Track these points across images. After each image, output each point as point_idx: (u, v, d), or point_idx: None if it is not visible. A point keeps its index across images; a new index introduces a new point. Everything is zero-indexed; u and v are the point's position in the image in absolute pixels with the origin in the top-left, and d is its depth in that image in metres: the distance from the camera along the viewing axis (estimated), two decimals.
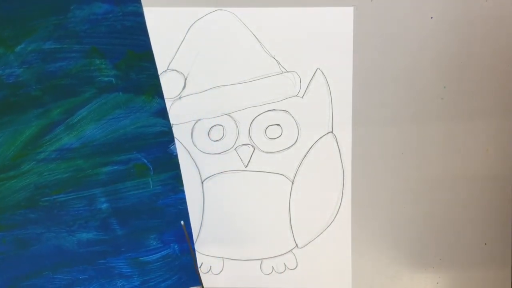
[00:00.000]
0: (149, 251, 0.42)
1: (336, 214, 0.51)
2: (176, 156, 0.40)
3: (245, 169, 0.50)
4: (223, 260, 0.51)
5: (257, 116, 0.50)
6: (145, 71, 0.37)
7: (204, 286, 0.50)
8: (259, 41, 0.49)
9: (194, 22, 0.48)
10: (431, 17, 0.49)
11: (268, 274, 0.52)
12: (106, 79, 0.36)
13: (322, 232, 0.51)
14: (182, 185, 0.41)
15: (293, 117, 0.50)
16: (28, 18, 0.34)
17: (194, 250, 0.43)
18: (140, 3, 0.36)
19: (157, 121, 0.39)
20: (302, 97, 0.50)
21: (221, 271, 0.51)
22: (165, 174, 0.40)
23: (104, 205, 0.40)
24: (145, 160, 0.39)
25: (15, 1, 0.33)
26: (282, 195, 0.51)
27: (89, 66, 0.36)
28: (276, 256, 0.51)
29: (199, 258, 0.51)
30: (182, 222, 0.41)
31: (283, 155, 0.50)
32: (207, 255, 0.51)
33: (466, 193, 0.51)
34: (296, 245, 0.51)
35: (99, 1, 0.34)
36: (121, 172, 0.39)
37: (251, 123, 0.50)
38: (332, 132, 0.50)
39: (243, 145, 0.50)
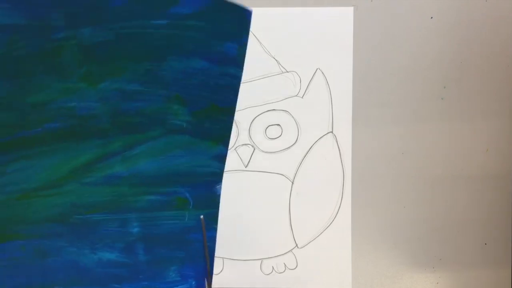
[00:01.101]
0: (166, 283, 0.41)
1: (336, 214, 0.51)
2: (219, 196, 0.39)
3: (245, 169, 0.50)
4: (223, 260, 0.51)
5: (257, 116, 0.50)
6: (219, 123, 0.37)
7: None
8: (259, 41, 0.49)
9: None
10: (431, 17, 0.49)
11: (268, 274, 0.52)
12: (178, 122, 0.36)
13: (322, 232, 0.51)
14: (216, 223, 0.40)
15: (293, 117, 0.50)
16: (121, 58, 0.33)
17: (211, 269, 0.42)
18: (242, 68, 0.35)
19: (212, 163, 0.38)
20: (302, 97, 0.50)
21: (221, 271, 0.51)
22: (203, 211, 0.39)
23: (136, 229, 0.39)
24: (187, 195, 0.39)
25: (112, 42, 0.33)
26: (282, 195, 0.51)
27: (165, 110, 0.35)
28: (276, 256, 0.51)
29: None
30: (201, 217, 0.40)
31: (283, 155, 0.50)
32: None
33: (466, 193, 0.51)
34: (296, 245, 0.51)
35: (198, 58, 0.34)
36: (161, 202, 0.38)
37: (251, 123, 0.50)
38: (332, 132, 0.50)
39: (243, 145, 0.50)
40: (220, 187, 0.39)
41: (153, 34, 0.33)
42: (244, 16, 0.35)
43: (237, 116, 0.49)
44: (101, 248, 0.39)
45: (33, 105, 0.34)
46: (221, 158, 0.38)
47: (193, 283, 0.41)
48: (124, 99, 0.34)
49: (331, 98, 0.50)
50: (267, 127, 0.50)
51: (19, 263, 0.39)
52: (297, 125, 0.50)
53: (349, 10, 0.49)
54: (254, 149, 0.50)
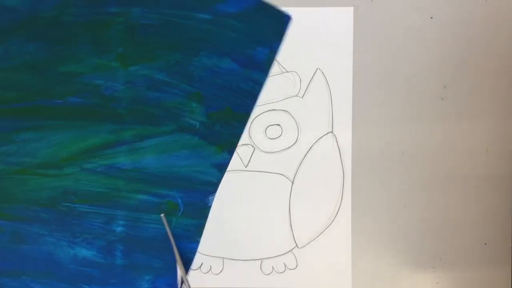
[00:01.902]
0: None
1: (336, 214, 0.51)
2: (210, 208, 0.39)
3: (245, 169, 0.50)
4: (223, 260, 0.51)
5: (257, 116, 0.50)
6: (231, 129, 0.37)
7: (204, 286, 0.50)
8: None
9: None
10: (431, 17, 0.49)
11: (268, 274, 0.52)
12: (192, 121, 0.36)
13: (322, 232, 0.51)
14: (200, 236, 0.39)
15: (293, 117, 0.50)
16: (157, 45, 0.33)
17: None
18: (267, 75, 0.35)
19: (212, 171, 0.38)
20: (302, 97, 0.50)
21: (221, 271, 0.51)
22: (191, 220, 0.39)
23: (119, 229, 0.38)
24: (179, 201, 0.38)
25: (155, 27, 0.32)
26: (282, 195, 0.51)
27: (183, 106, 0.35)
28: (276, 256, 0.51)
29: (200, 258, 0.51)
30: (162, 215, 0.39)
31: (283, 155, 0.50)
32: (207, 255, 0.51)
33: (466, 193, 0.51)
34: (296, 245, 0.51)
35: (228, 58, 0.34)
36: (152, 203, 0.38)
37: (251, 123, 0.50)
38: (332, 132, 0.50)
39: (243, 145, 0.50)
40: (213, 199, 0.38)
41: (193, 27, 0.33)
42: (282, 21, 0.35)
43: None
44: (80, 243, 0.38)
45: (64, 74, 0.33)
46: (222, 167, 0.37)
47: None
48: (148, 87, 0.34)
49: (331, 98, 0.50)
50: (267, 127, 0.50)
51: None
52: (297, 125, 0.50)
53: (349, 10, 0.49)
54: (254, 149, 0.50)
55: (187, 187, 0.37)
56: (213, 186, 0.38)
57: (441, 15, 0.49)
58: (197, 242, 0.39)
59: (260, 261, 0.52)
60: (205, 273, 0.51)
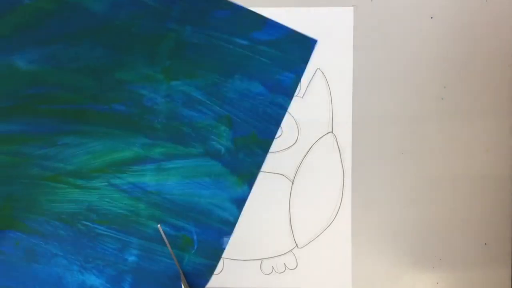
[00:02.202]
0: None
1: (336, 214, 0.51)
2: (223, 250, 0.40)
3: None
4: (223, 260, 0.51)
5: None
6: (253, 156, 0.38)
7: (204, 286, 0.50)
8: None
9: None
10: (431, 17, 0.49)
11: (268, 274, 0.52)
12: (218, 146, 0.37)
13: (322, 232, 0.51)
14: (211, 275, 0.40)
15: (293, 117, 0.50)
16: (200, 64, 0.35)
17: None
18: (291, 99, 0.36)
19: (231, 207, 0.39)
20: (302, 97, 0.50)
21: (221, 271, 0.51)
22: (204, 259, 0.39)
23: (132, 258, 0.38)
24: (195, 237, 0.38)
25: (201, 46, 0.34)
26: (282, 195, 0.51)
27: (213, 129, 0.37)
28: (276, 256, 0.51)
29: None
30: (158, 225, 0.39)
31: (283, 155, 0.50)
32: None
33: (466, 193, 0.51)
34: (296, 245, 0.51)
35: (258, 82, 0.36)
36: (168, 235, 0.38)
37: None
38: (332, 132, 0.50)
39: None
40: (227, 241, 0.39)
41: (231, 50, 0.35)
42: (308, 46, 0.38)
43: None
44: (91, 269, 0.38)
45: (118, 81, 0.35)
46: (240, 203, 0.38)
47: None
48: (184, 104, 0.36)
49: (331, 98, 0.50)
50: None
51: (6, 260, 0.38)
52: (297, 125, 0.50)
53: (349, 10, 0.49)
54: None
55: (204, 222, 0.38)
56: (229, 226, 0.39)
57: (441, 15, 0.49)
58: (206, 281, 0.40)
59: (260, 261, 0.52)
60: None
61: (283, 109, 0.38)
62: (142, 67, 0.35)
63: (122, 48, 0.34)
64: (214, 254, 0.40)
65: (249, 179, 0.39)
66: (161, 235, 0.38)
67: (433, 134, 0.51)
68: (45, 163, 0.37)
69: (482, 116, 0.50)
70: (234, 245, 0.51)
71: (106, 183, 0.37)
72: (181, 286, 0.40)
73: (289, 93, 0.38)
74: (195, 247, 0.39)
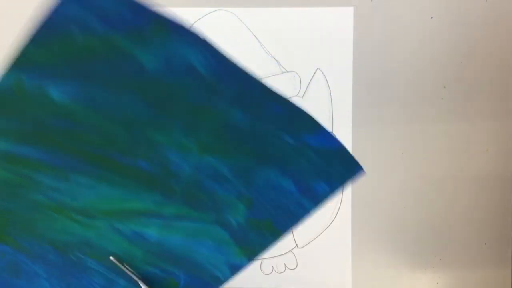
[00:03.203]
0: None
1: (336, 214, 0.51)
2: None
3: None
4: None
5: None
6: (262, 239, 0.37)
7: None
8: (259, 41, 0.49)
9: (194, 22, 0.48)
10: (431, 17, 0.49)
11: (268, 274, 0.52)
12: (231, 219, 0.36)
13: (322, 232, 0.51)
14: None
15: None
16: (237, 148, 0.34)
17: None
18: (317, 208, 0.36)
19: (225, 270, 0.37)
20: (302, 97, 0.50)
21: None
22: None
23: None
24: (182, 282, 0.37)
25: (242, 132, 0.33)
26: None
27: (231, 203, 0.35)
28: (276, 256, 0.51)
29: None
30: (111, 257, 0.38)
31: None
32: None
33: (466, 193, 0.51)
34: (296, 245, 0.51)
35: (291, 181, 0.35)
36: (155, 276, 0.38)
37: None
38: (332, 132, 0.50)
39: None
40: None
41: (276, 143, 0.34)
42: (352, 170, 0.36)
43: None
44: None
45: (149, 140, 0.33)
46: (235, 269, 0.37)
47: None
48: (210, 177, 0.34)
49: (331, 98, 0.50)
50: None
51: None
52: None
53: (349, 10, 0.49)
54: None
55: (195, 272, 0.37)
56: (218, 283, 0.38)
57: (441, 15, 0.49)
58: None
59: (260, 261, 0.51)
60: None
61: (306, 212, 0.37)
62: (178, 133, 0.33)
63: (163, 109, 0.33)
64: None
65: (251, 254, 0.38)
66: (118, 265, 0.38)
67: (433, 134, 0.51)
68: (52, 194, 0.36)
69: (482, 116, 0.50)
70: None
71: (108, 225, 0.36)
72: None
73: (318, 203, 0.36)
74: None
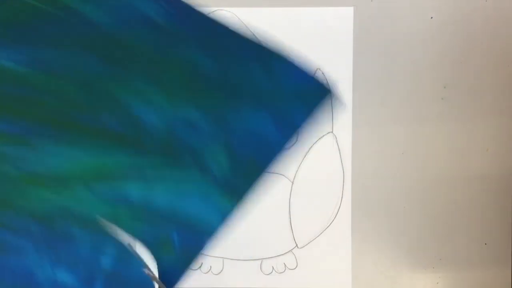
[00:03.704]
0: None
1: (336, 214, 0.51)
2: (201, 253, 0.38)
3: None
4: (223, 260, 0.51)
5: None
6: (249, 182, 0.36)
7: (204, 286, 0.50)
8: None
9: None
10: (431, 17, 0.49)
11: (268, 274, 0.52)
12: (213, 167, 0.35)
13: (322, 232, 0.51)
14: (189, 270, 0.37)
15: None
16: (206, 92, 0.33)
17: None
18: (295, 140, 0.36)
19: (216, 219, 0.36)
20: None
21: (221, 271, 0.51)
22: (183, 258, 0.37)
23: (107, 261, 0.37)
24: (176, 239, 0.36)
25: (206, 76, 0.33)
26: (282, 195, 0.51)
27: (211, 154, 0.35)
28: (276, 256, 0.51)
29: (200, 258, 0.51)
30: (144, 270, 0.36)
31: (283, 155, 0.50)
32: (207, 255, 0.51)
33: (466, 193, 0.51)
34: (296, 245, 0.51)
35: (267, 113, 0.34)
36: (147, 236, 0.36)
37: None
38: (332, 132, 0.50)
39: None
40: (207, 246, 0.37)
41: (246, 82, 0.33)
42: (322, 92, 0.37)
43: None
44: (63, 267, 0.36)
45: (109, 94, 0.32)
46: (226, 217, 0.36)
47: None
48: (184, 127, 0.33)
49: (331, 98, 0.50)
50: None
51: None
52: None
53: (349, 10, 0.49)
54: None
55: (187, 226, 0.36)
56: (211, 234, 0.37)
57: (441, 15, 0.49)
58: (184, 275, 0.38)
59: (260, 261, 0.51)
60: (205, 273, 0.51)
61: (286, 142, 0.36)
62: (141, 87, 0.32)
63: (122, 64, 0.32)
64: (194, 253, 0.38)
65: (240, 201, 0.37)
66: (150, 276, 0.37)
67: (433, 134, 0.51)
68: (20, 164, 0.34)
69: (482, 116, 0.50)
70: (234, 245, 0.51)
71: (84, 188, 0.35)
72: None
73: (295, 131, 0.36)
74: (175, 247, 0.37)
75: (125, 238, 0.37)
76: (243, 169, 0.36)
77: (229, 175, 0.35)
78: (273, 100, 0.34)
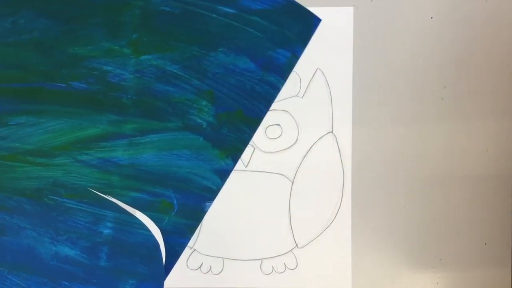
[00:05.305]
0: None
1: (336, 214, 0.51)
2: (205, 212, 0.37)
3: (245, 169, 0.50)
4: (223, 260, 0.51)
5: None
6: (239, 133, 0.34)
7: (204, 286, 0.50)
8: None
9: None
10: (431, 17, 0.49)
11: (268, 274, 0.52)
12: (199, 120, 0.33)
13: (322, 232, 0.51)
14: (192, 234, 0.36)
15: (293, 117, 0.50)
16: (175, 35, 0.31)
17: None
18: (285, 80, 0.32)
19: (213, 178, 0.35)
20: (302, 97, 0.50)
21: (221, 271, 0.51)
22: (184, 220, 0.36)
23: (107, 231, 0.36)
24: (175, 201, 0.35)
25: (175, 15, 0.30)
26: (282, 195, 0.51)
27: (192, 103, 0.33)
28: (276, 256, 0.51)
29: (200, 258, 0.51)
30: None
31: (283, 155, 0.50)
32: (207, 255, 0.51)
33: (466, 193, 0.51)
34: (296, 245, 0.51)
35: (246, 57, 0.32)
36: (145, 201, 0.36)
37: None
38: (332, 132, 0.50)
39: None
40: (210, 205, 0.37)
41: (215, 20, 0.31)
42: (310, 23, 0.32)
43: None
44: (64, 241, 0.36)
45: (72, 56, 0.31)
46: (223, 174, 0.35)
47: None
48: (158, 79, 0.32)
49: (331, 98, 0.50)
50: (267, 127, 0.50)
51: None
52: (297, 125, 0.50)
53: (349, 10, 0.49)
54: (254, 149, 0.50)
55: (184, 189, 0.36)
56: (211, 193, 0.36)
57: (441, 15, 0.49)
58: (188, 239, 0.37)
59: (260, 261, 0.51)
60: (205, 273, 0.51)
61: (276, 89, 0.33)
62: (101, 41, 0.31)
63: (71, 20, 0.30)
64: (195, 216, 0.37)
65: (233, 154, 0.35)
66: None
67: (433, 134, 0.51)
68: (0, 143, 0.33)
69: (482, 116, 0.50)
70: (234, 245, 0.51)
71: (71, 160, 0.34)
72: (160, 255, 0.37)
73: (283, 73, 0.32)
74: (175, 210, 0.36)
75: (123, 206, 0.36)
76: (232, 121, 0.34)
77: (217, 126, 0.34)
78: (249, 40, 0.32)
